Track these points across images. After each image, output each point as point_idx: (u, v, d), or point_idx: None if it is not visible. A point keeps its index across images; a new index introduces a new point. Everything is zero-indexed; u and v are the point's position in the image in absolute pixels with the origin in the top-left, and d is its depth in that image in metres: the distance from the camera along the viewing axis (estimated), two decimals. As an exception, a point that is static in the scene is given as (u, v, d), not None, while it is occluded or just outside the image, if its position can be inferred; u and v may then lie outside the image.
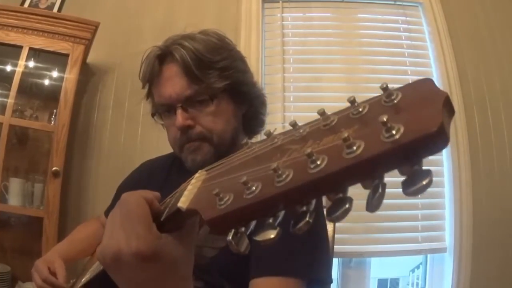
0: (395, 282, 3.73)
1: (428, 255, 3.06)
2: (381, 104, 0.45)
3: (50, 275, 1.41)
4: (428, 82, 0.45)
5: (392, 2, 3.29)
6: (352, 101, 0.48)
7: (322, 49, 3.22)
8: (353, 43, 3.20)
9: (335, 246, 1.86)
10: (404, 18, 3.26)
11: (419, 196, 2.58)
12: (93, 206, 2.92)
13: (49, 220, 2.57)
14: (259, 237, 0.49)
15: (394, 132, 0.40)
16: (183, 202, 0.59)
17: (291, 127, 0.53)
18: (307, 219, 0.47)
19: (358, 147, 0.42)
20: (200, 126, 1.34)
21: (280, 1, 3.24)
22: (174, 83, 1.35)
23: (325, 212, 0.47)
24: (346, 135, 0.42)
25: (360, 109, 0.46)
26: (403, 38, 3.22)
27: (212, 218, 0.51)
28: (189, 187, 0.62)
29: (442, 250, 2.95)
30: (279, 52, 3.18)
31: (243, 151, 0.58)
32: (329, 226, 1.69)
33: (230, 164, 0.58)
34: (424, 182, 0.41)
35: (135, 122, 3.02)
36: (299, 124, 0.53)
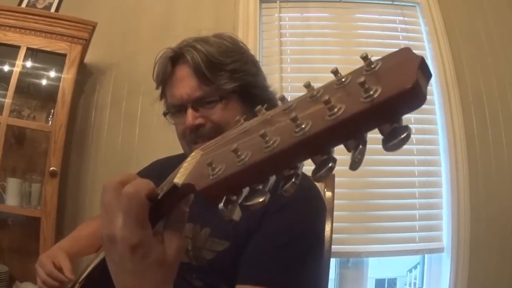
0: (392, 282, 3.74)
1: (426, 255, 3.06)
2: (362, 73, 0.47)
3: (55, 269, 1.41)
4: (406, 50, 0.48)
5: (390, 2, 3.29)
6: (335, 72, 0.50)
7: (319, 49, 3.22)
8: (351, 43, 3.20)
9: (332, 246, 1.86)
10: (401, 18, 3.26)
11: (417, 195, 2.56)
12: (91, 206, 2.92)
13: (47, 220, 2.57)
14: (249, 202, 0.52)
15: (372, 92, 0.43)
16: (179, 178, 0.60)
17: (280, 102, 0.56)
18: (293, 180, 0.49)
19: (339, 109, 0.44)
20: (211, 122, 1.37)
21: (278, 1, 3.24)
22: (185, 84, 1.38)
23: (311, 174, 0.49)
24: (327, 97, 0.45)
25: (343, 79, 0.49)
26: (401, 38, 3.22)
27: (204, 188, 0.54)
28: (185, 164, 0.64)
29: (439, 250, 2.96)
30: (276, 52, 3.18)
31: (236, 127, 0.60)
32: (327, 226, 1.69)
33: (224, 139, 0.60)
34: (402, 136, 0.43)
35: (132, 122, 3.03)
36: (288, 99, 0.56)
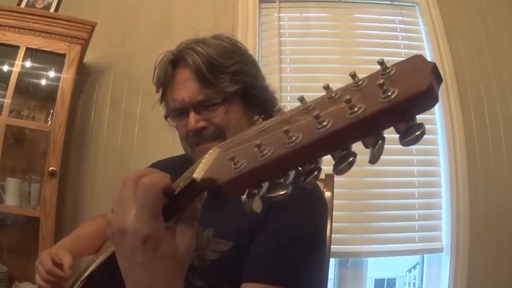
0: (392, 282, 3.74)
1: (425, 255, 3.06)
2: (378, 77, 0.50)
3: (55, 266, 1.41)
4: (419, 57, 0.51)
5: (389, 2, 3.29)
6: (353, 75, 0.54)
7: (319, 49, 3.22)
8: (350, 43, 3.20)
9: (332, 246, 1.87)
10: (401, 18, 3.26)
11: (416, 195, 2.56)
12: (90, 206, 2.92)
13: (46, 220, 2.57)
14: (272, 193, 0.54)
15: (390, 93, 0.46)
16: (198, 173, 0.62)
17: (299, 102, 0.59)
18: (315, 173, 0.52)
19: (359, 108, 0.48)
20: (213, 125, 1.37)
21: (277, 1, 3.24)
22: (186, 87, 1.38)
23: (332, 169, 0.52)
24: (348, 97, 0.48)
25: (360, 83, 0.52)
26: (400, 38, 3.22)
27: (227, 181, 0.56)
28: (204, 160, 0.66)
29: (439, 250, 2.96)
30: (276, 52, 3.18)
31: (255, 126, 0.63)
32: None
33: (243, 137, 0.62)
34: (417, 133, 0.47)
35: (131, 122, 3.02)
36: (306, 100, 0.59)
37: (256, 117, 0.65)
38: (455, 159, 2.98)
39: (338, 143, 0.50)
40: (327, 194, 1.93)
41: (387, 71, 0.50)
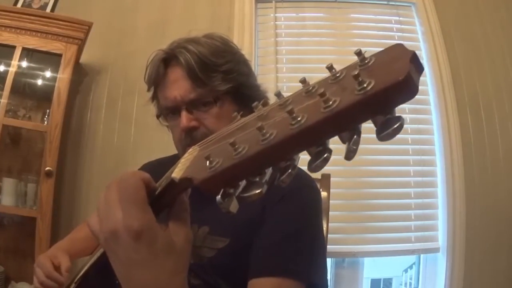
0: (388, 282, 3.74)
1: (421, 255, 3.07)
2: (356, 68, 0.49)
3: (54, 271, 1.40)
4: (399, 45, 0.49)
5: (385, 2, 3.30)
6: (330, 68, 0.53)
7: (315, 49, 3.23)
8: (346, 43, 3.20)
9: (328, 246, 1.87)
10: (397, 18, 3.26)
11: (412, 195, 2.55)
12: (86, 206, 2.91)
13: (42, 220, 2.57)
14: (246, 193, 0.53)
15: (365, 85, 0.44)
16: (176, 173, 0.61)
17: (276, 97, 0.57)
18: (290, 171, 0.51)
19: (334, 102, 0.46)
20: (204, 127, 1.36)
21: (273, 1, 3.24)
22: (179, 86, 1.37)
23: (307, 165, 0.50)
24: (322, 90, 0.47)
25: (338, 75, 0.51)
26: (396, 38, 3.22)
27: (202, 181, 0.55)
28: (182, 160, 0.65)
29: (435, 250, 2.96)
30: (272, 52, 3.18)
31: (233, 123, 0.61)
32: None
33: (221, 135, 0.61)
34: (395, 126, 0.45)
35: (128, 122, 3.02)
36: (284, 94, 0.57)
37: (235, 113, 0.64)
38: (452, 159, 2.98)
39: (313, 139, 0.49)
40: (324, 194, 1.93)
41: (365, 61, 0.48)
